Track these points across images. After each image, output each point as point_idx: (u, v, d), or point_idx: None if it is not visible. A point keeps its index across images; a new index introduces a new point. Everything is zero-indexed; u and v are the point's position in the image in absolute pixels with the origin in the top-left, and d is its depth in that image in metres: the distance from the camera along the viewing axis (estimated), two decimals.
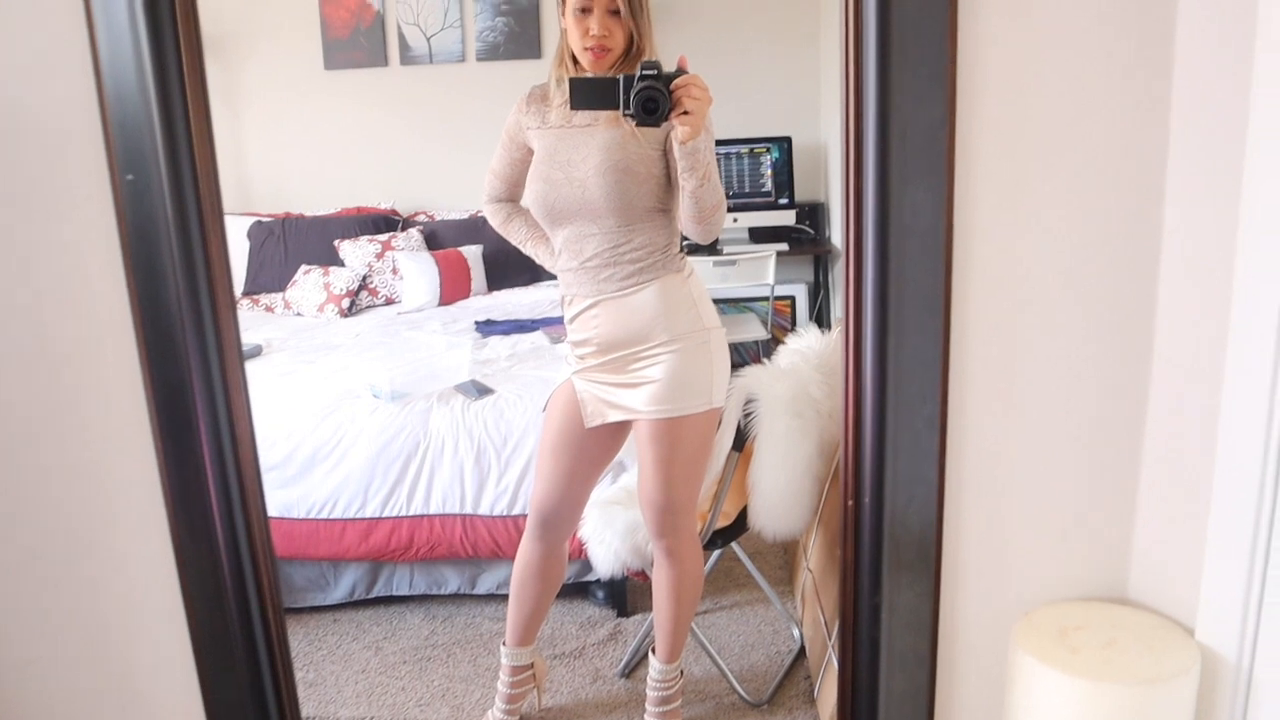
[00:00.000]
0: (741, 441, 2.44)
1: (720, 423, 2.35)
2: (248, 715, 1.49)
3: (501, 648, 2.48)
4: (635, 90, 1.90)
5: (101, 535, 1.51)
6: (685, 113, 1.90)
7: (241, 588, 1.43)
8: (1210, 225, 1.21)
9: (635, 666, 2.73)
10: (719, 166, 4.45)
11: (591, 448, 2.34)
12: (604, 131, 2.14)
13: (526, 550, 2.40)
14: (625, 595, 3.05)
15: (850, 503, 1.14)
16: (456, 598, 3.15)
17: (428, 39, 4.79)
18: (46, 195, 1.40)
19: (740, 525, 2.63)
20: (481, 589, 3.11)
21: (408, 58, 4.81)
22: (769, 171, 4.62)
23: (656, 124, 1.92)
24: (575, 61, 2.15)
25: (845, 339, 1.20)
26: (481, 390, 3.15)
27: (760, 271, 4.21)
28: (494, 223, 2.47)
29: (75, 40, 1.32)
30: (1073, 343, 1.30)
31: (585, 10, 2.08)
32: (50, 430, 1.48)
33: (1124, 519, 1.25)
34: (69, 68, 1.33)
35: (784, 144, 4.62)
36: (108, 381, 1.45)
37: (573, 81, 2.00)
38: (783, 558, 3.29)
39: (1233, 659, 1.09)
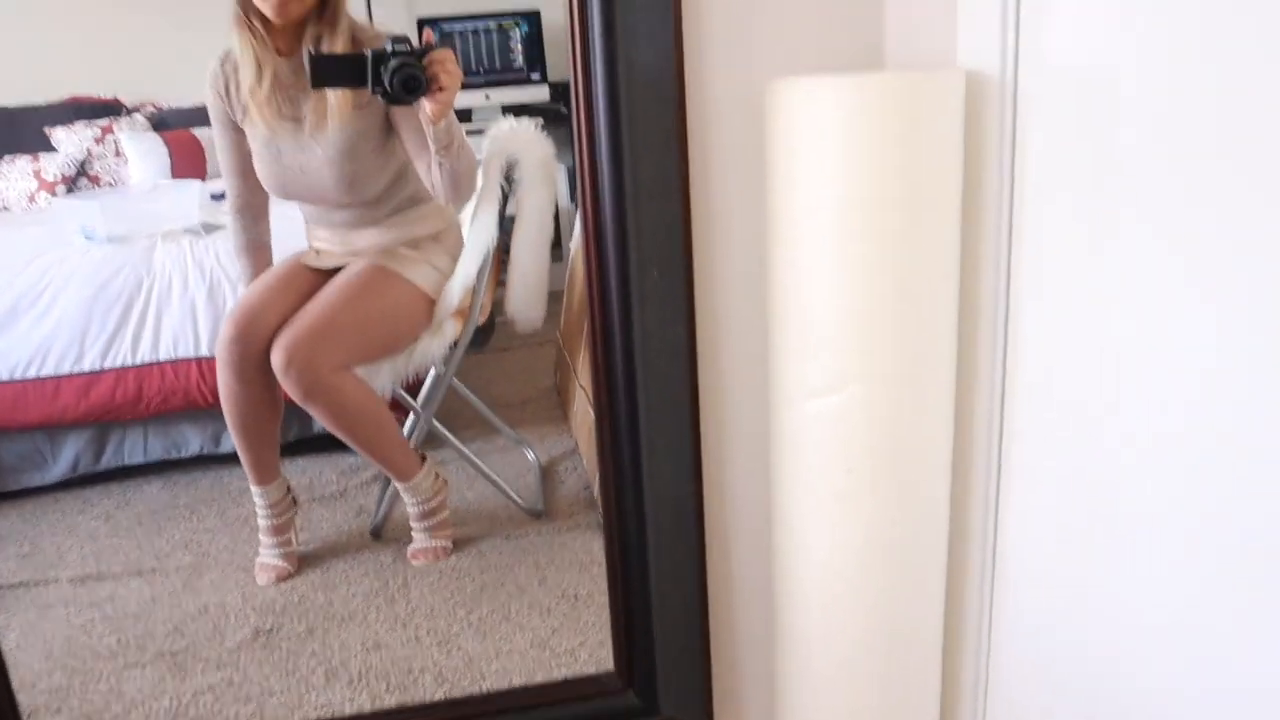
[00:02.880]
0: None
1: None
2: None
3: (252, 489, 2.35)
4: (393, 68, 1.80)
5: None
6: (441, 89, 1.84)
7: None
8: None
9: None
10: (468, 44, 4.30)
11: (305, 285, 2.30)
12: (321, 136, 2.09)
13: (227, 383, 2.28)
14: None
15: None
16: (200, 460, 2.84)
17: None
18: None
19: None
20: (227, 447, 2.81)
21: None
22: (519, 46, 4.47)
23: (412, 102, 1.85)
24: (256, 16, 2.02)
25: None
26: (211, 229, 2.86)
27: None
28: (235, 243, 2.50)
29: None
30: None
31: None
32: None
33: None
34: None
35: (533, 18, 4.47)
36: None
37: (313, 59, 1.93)
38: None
39: (995, 73, 1.03)
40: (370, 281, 2.23)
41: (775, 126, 1.07)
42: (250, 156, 2.24)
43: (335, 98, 2.03)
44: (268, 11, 1.98)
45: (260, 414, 2.28)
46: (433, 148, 2.00)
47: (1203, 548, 0.96)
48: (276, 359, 2.12)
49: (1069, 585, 1.14)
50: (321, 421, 2.23)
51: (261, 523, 2.32)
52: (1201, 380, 0.90)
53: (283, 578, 2.25)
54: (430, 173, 2.07)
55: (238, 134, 2.23)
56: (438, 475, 2.38)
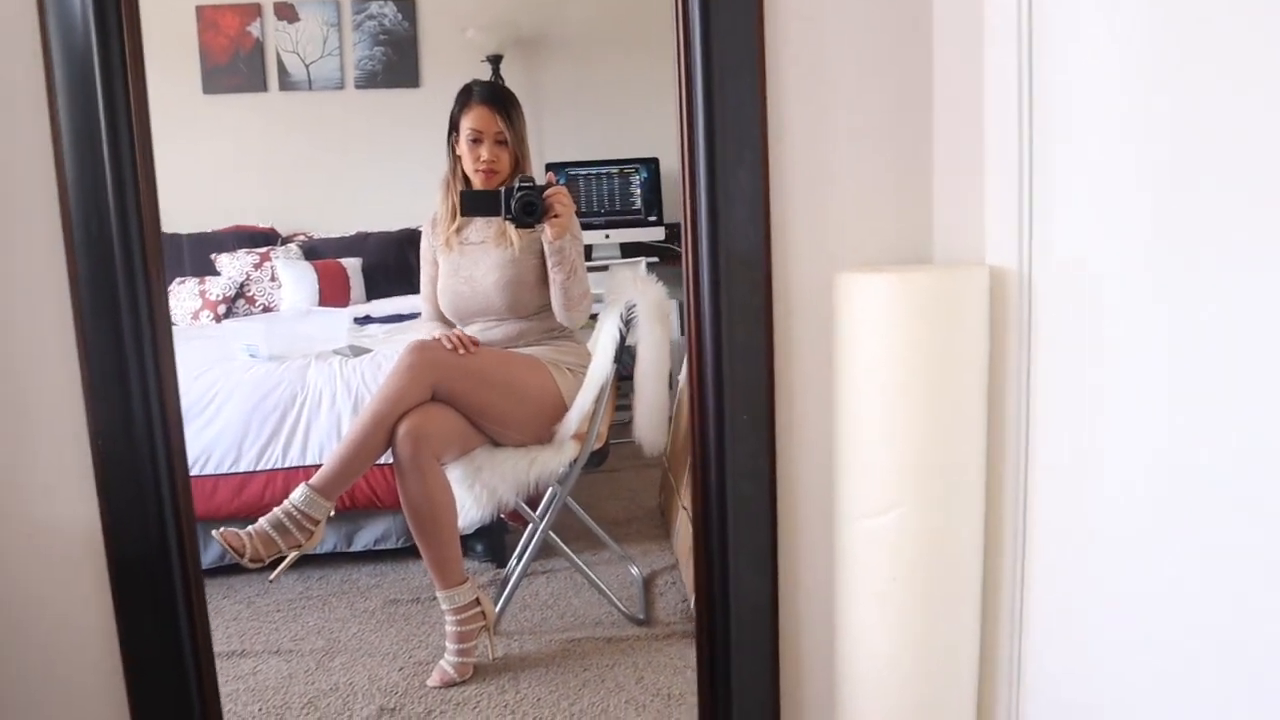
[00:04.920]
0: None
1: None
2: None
3: (439, 594, 2.42)
4: (515, 198, 2.35)
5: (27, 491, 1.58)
6: (556, 216, 2.36)
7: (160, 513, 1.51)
8: None
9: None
10: (591, 186, 4.68)
11: None
12: (495, 250, 2.57)
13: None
14: (504, 547, 3.10)
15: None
16: (332, 557, 3.14)
17: (307, 66, 4.93)
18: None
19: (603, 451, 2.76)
20: (358, 545, 3.11)
21: (287, 84, 4.94)
22: (638, 190, 4.83)
23: (532, 225, 2.39)
24: (467, 182, 2.60)
25: None
26: (358, 351, 3.21)
27: None
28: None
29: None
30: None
31: (476, 140, 2.54)
32: None
33: (924, 190, 1.45)
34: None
35: (651, 165, 4.85)
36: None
37: (463, 194, 2.50)
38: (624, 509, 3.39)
39: (1015, 267, 1.28)
40: (510, 361, 2.53)
41: (840, 307, 1.37)
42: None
43: (510, 226, 2.48)
44: (477, 182, 2.56)
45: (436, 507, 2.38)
46: (550, 262, 2.46)
47: (1208, 651, 1.09)
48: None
49: (1080, 665, 1.33)
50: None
51: (447, 628, 2.41)
52: (1183, 503, 1.11)
53: (449, 684, 2.35)
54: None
55: (435, 267, 2.70)
56: (478, 601, 2.43)
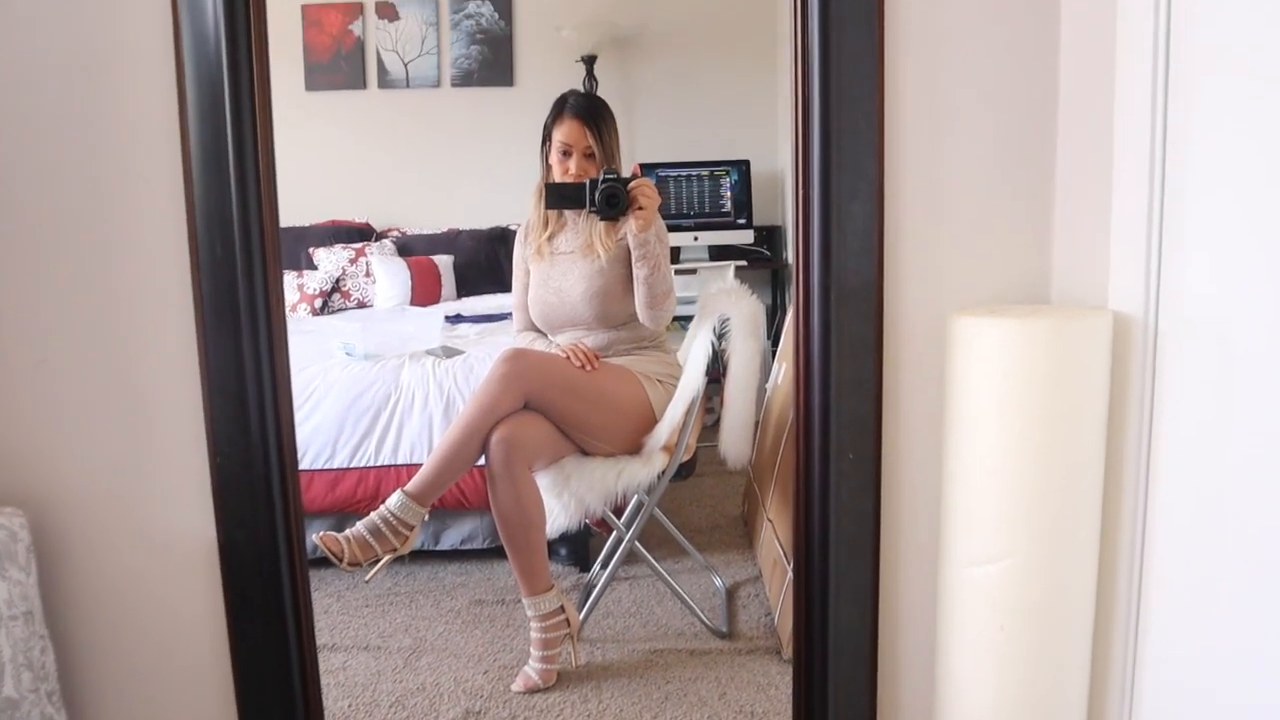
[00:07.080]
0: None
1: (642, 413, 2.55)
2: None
3: (524, 600, 2.45)
4: (599, 189, 2.38)
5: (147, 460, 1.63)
6: (640, 208, 2.38)
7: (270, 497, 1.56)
8: None
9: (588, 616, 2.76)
10: (682, 188, 4.67)
11: None
12: (583, 261, 2.59)
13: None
14: (587, 552, 3.12)
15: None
16: (420, 555, 3.19)
17: (405, 64, 5.01)
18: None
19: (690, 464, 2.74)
20: (445, 544, 3.16)
21: (386, 82, 5.02)
22: (728, 193, 4.82)
23: (616, 217, 2.41)
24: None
25: None
26: (450, 353, 3.25)
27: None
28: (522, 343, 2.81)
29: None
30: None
31: (566, 153, 2.56)
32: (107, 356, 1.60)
33: (1044, 227, 1.43)
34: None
35: (742, 167, 4.84)
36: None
37: (548, 186, 2.51)
38: (708, 518, 3.38)
39: (1140, 314, 1.25)
40: (601, 371, 2.51)
41: (955, 350, 1.34)
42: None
43: (597, 234, 2.54)
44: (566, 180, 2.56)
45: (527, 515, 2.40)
46: (634, 256, 2.48)
47: None
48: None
49: None
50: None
51: (532, 634, 2.43)
52: None
53: (533, 690, 2.38)
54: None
55: (528, 275, 2.72)
56: (563, 609, 2.45)
